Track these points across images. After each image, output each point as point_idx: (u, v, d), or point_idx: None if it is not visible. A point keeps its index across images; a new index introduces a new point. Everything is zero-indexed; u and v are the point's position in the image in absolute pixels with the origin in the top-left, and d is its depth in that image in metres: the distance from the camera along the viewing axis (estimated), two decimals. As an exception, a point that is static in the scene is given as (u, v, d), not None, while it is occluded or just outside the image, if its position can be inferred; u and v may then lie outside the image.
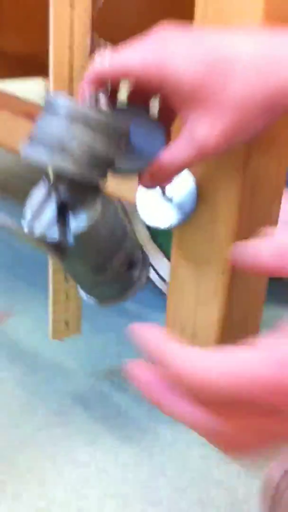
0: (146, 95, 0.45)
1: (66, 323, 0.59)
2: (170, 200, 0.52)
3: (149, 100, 0.46)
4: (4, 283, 0.80)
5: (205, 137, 0.40)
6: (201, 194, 0.51)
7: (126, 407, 0.59)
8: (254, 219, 0.53)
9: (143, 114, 0.44)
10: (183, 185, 0.51)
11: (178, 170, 0.43)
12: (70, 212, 0.42)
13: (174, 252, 0.57)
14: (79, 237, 0.42)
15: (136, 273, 0.48)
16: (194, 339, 0.58)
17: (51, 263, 0.56)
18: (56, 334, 0.60)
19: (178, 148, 0.42)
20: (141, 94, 0.45)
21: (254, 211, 0.52)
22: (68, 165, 0.39)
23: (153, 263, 0.79)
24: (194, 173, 0.51)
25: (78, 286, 0.51)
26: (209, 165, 0.50)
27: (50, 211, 0.42)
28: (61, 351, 0.66)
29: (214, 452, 0.56)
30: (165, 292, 0.75)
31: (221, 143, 0.40)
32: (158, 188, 0.51)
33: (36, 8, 0.77)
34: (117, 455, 0.54)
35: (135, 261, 0.48)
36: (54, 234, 0.41)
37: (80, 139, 0.39)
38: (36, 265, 0.83)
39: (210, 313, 0.55)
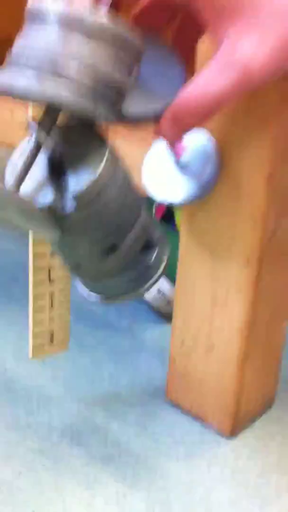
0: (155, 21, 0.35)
1: (51, 336, 0.48)
2: (185, 168, 0.41)
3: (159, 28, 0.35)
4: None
5: (251, 55, 0.30)
6: (222, 163, 0.41)
7: (127, 440, 0.48)
8: (284, 193, 0.43)
9: (154, 43, 0.34)
10: (201, 149, 0.41)
11: (211, 108, 0.32)
12: (67, 169, 0.31)
13: (183, 240, 0.46)
14: (81, 202, 0.31)
15: (154, 257, 0.37)
16: (210, 352, 0.47)
17: (32, 257, 0.44)
18: (38, 351, 0.48)
19: (212, 75, 0.31)
20: (149, 18, 0.34)
21: (284, 183, 0.42)
22: (64, 93, 0.28)
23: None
24: (213, 136, 0.41)
25: (78, 280, 0.39)
26: (230, 125, 0.40)
27: (40, 168, 0.31)
28: (42, 375, 0.55)
29: (242, 492, 0.45)
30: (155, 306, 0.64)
31: (271, 65, 0.30)
32: (170, 154, 0.41)
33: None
34: (123, 501, 0.42)
35: (153, 242, 0.37)
36: (46, 197, 0.30)
37: (79, 55, 0.28)
38: (7, 267, 0.71)
39: (231, 316, 0.45)
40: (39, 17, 0.28)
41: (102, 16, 0.29)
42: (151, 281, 0.37)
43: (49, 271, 0.46)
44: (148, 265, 0.36)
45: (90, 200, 0.30)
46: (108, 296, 0.37)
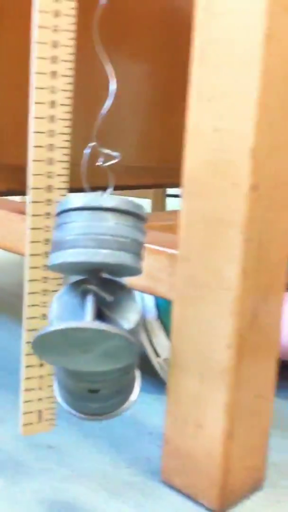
0: None
1: (39, 415, 0.52)
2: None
3: None
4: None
5: None
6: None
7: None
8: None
9: None
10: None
11: None
12: (108, 313, 0.38)
13: (175, 312, 0.51)
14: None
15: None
16: (198, 431, 0.50)
17: (25, 344, 0.50)
18: (28, 429, 0.52)
19: None
20: None
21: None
22: (126, 259, 0.36)
23: (156, 342, 0.72)
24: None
25: (59, 395, 0.43)
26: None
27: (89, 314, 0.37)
28: (48, 459, 0.57)
29: None
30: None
31: None
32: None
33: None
34: None
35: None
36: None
37: (128, 233, 0.36)
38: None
39: (217, 395, 0.49)
40: (88, 207, 0.36)
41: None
42: (132, 397, 0.42)
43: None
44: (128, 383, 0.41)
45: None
46: (90, 414, 0.41)
